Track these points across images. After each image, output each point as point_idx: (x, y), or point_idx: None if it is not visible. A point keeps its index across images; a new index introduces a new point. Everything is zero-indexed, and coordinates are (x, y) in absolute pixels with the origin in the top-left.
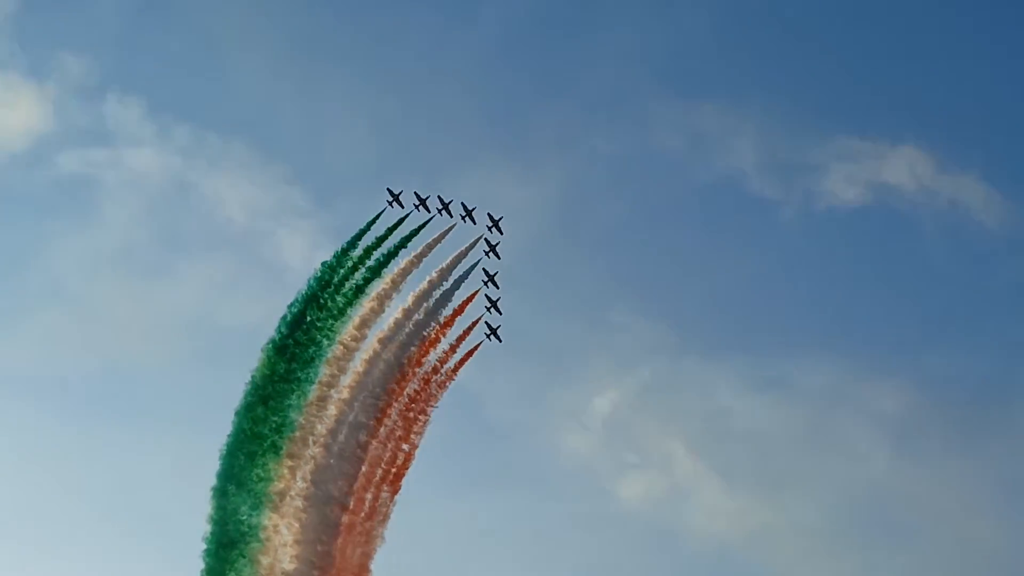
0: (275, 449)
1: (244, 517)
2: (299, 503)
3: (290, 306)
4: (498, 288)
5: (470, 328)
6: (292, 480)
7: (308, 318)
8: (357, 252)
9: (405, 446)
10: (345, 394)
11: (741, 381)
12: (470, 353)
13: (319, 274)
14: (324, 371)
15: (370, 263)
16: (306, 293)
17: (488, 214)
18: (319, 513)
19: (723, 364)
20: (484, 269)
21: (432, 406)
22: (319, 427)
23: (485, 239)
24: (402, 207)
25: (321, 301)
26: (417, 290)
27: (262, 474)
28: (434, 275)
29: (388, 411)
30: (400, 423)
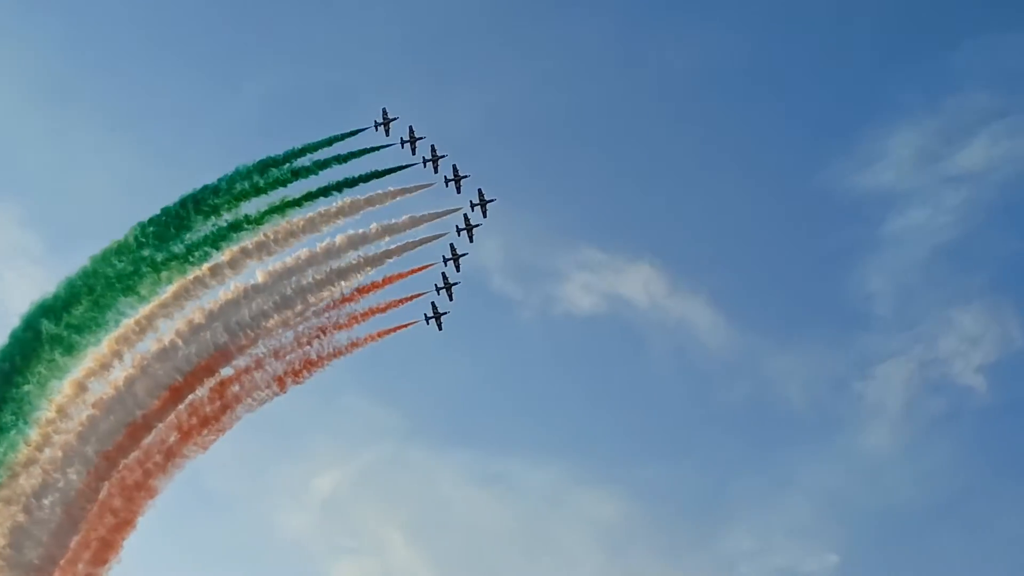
0: None
1: None
2: None
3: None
4: (458, 271)
5: (405, 299)
6: None
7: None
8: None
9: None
10: None
11: (464, 474)
12: (396, 329)
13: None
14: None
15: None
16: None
17: (479, 190)
18: None
19: (448, 455)
20: (452, 245)
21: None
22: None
23: (465, 215)
24: (386, 135)
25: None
26: (359, 231)
27: None
28: (392, 222)
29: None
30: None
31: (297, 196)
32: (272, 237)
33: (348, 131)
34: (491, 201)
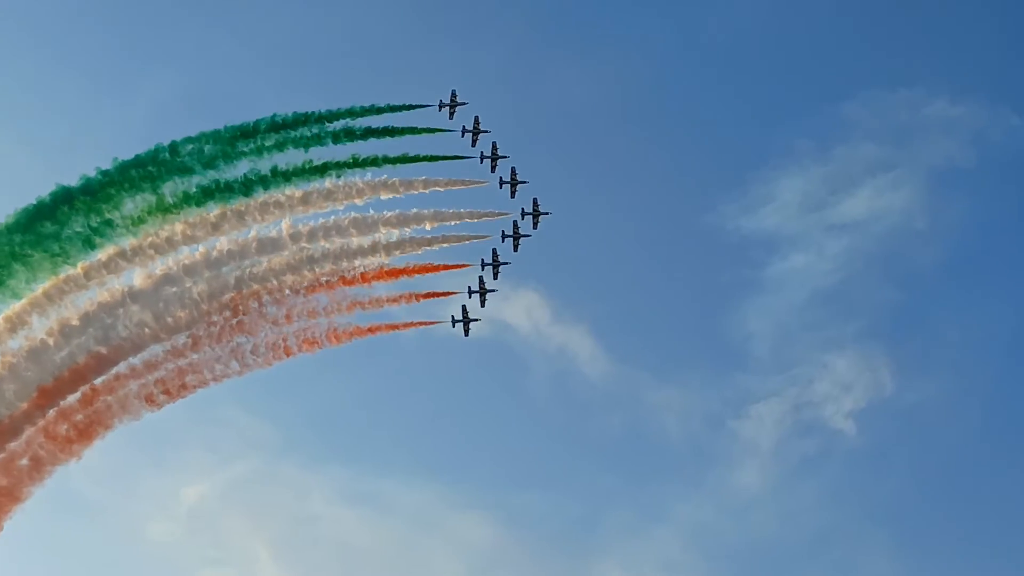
0: None
1: None
2: None
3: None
4: (496, 278)
5: (430, 295)
6: None
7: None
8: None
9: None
10: None
11: (336, 492)
12: (413, 325)
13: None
14: None
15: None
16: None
17: (534, 199)
18: None
19: (321, 472)
20: (494, 250)
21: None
22: None
23: (515, 222)
24: (450, 118)
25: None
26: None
27: None
28: (433, 213)
29: None
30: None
31: (329, 161)
32: (261, 210)
33: (408, 104)
34: (545, 214)
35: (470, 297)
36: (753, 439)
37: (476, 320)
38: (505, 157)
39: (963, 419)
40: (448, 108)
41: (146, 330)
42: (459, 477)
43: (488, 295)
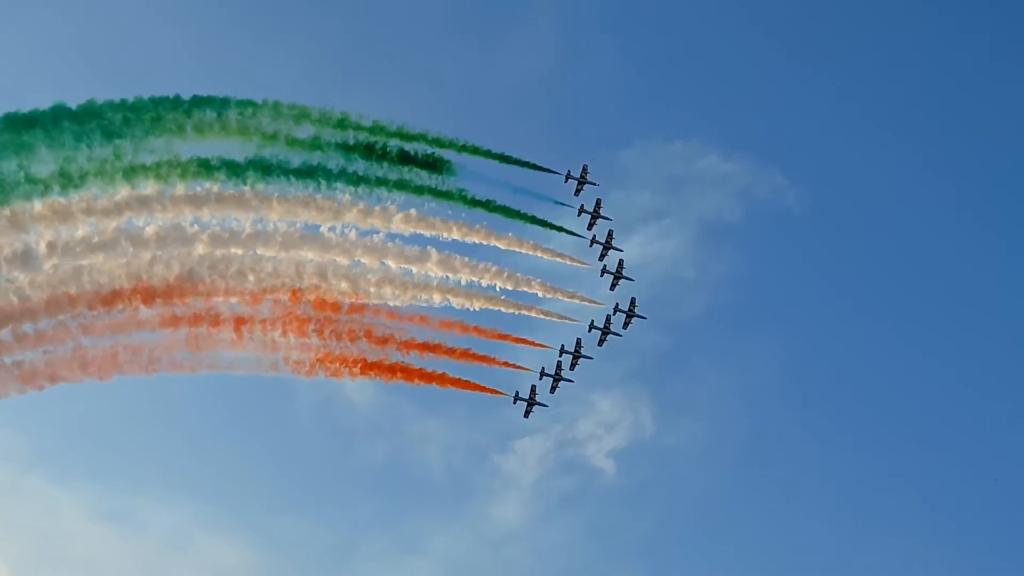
0: None
1: None
2: None
3: None
4: (572, 369)
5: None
6: None
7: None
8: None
9: None
10: None
11: (86, 508)
12: (474, 386)
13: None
14: None
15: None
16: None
17: (632, 299)
18: None
19: (70, 487)
20: (579, 339)
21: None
22: None
23: (608, 315)
24: (575, 194)
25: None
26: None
27: None
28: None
29: None
30: None
31: (449, 190)
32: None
33: (538, 164)
34: (641, 318)
35: (540, 379)
36: (515, 474)
37: (543, 406)
38: (619, 250)
39: (718, 460)
40: (575, 182)
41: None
42: (215, 498)
43: (560, 385)
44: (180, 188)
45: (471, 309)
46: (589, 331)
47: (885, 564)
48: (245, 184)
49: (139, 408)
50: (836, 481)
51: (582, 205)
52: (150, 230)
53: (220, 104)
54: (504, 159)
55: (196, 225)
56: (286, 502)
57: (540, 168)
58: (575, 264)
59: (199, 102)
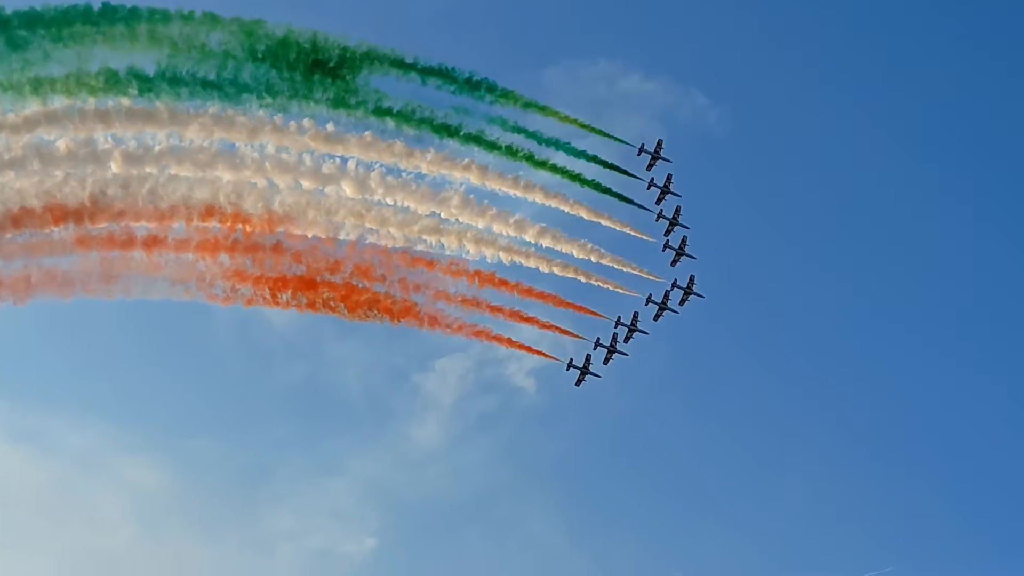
0: None
1: None
2: None
3: None
4: (627, 341)
5: (557, 327)
6: None
7: None
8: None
9: None
10: None
11: None
12: (530, 349)
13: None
14: None
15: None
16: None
17: (691, 276)
18: None
19: None
20: (636, 313)
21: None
22: None
23: (667, 291)
24: (647, 168)
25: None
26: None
27: None
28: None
29: None
30: None
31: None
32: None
33: (610, 133)
34: (699, 296)
35: (595, 349)
36: (435, 394)
37: (596, 376)
38: (685, 227)
39: (637, 382)
40: (649, 155)
41: None
42: (129, 420)
43: (614, 357)
44: (91, 103)
45: (488, 258)
46: (646, 304)
47: (803, 485)
48: (158, 98)
49: (52, 327)
50: (752, 405)
51: (652, 179)
52: (61, 146)
53: (130, 14)
54: (578, 124)
55: (110, 140)
56: (202, 423)
57: (615, 138)
58: (641, 237)
59: (109, 11)
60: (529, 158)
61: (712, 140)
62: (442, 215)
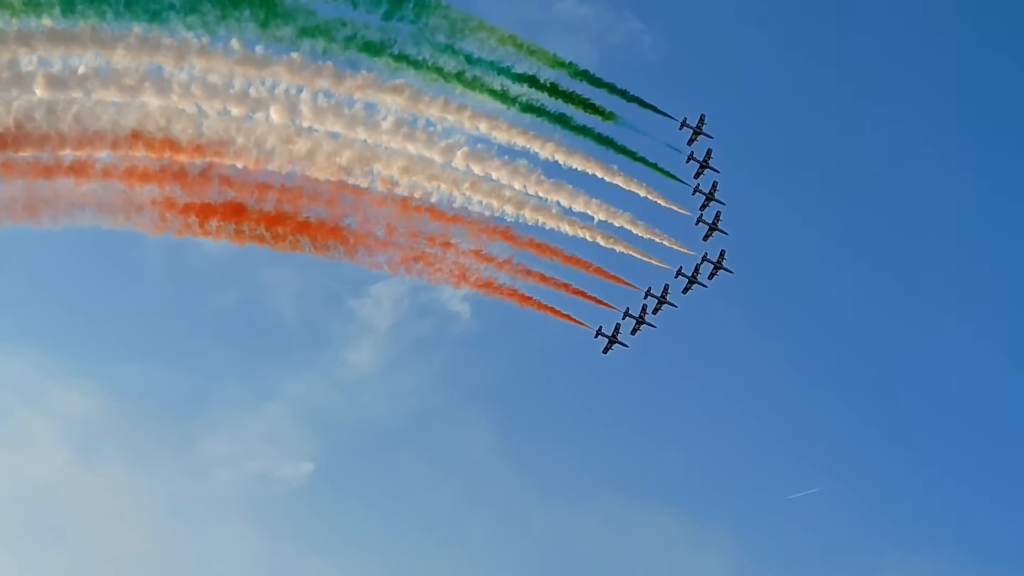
0: None
1: None
2: None
3: None
4: (655, 314)
5: (589, 295)
6: None
7: None
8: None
9: None
10: None
11: None
12: (560, 313)
13: None
14: None
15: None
16: None
17: (723, 251)
18: None
19: None
20: (667, 285)
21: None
22: None
23: (697, 265)
24: (688, 143)
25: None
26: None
27: None
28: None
29: None
30: None
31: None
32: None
33: (654, 106)
34: (727, 271)
35: (623, 319)
36: (370, 319)
37: (624, 345)
38: (721, 203)
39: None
40: (691, 130)
41: None
42: (62, 347)
43: (641, 328)
44: (14, 24)
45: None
46: (676, 277)
47: (743, 413)
48: (82, 19)
49: None
50: (693, 330)
51: (691, 152)
52: None
53: None
54: (625, 96)
55: (34, 62)
56: (136, 350)
57: (656, 109)
58: (675, 210)
59: None
60: (459, 77)
61: (645, 65)
62: (370, 141)
